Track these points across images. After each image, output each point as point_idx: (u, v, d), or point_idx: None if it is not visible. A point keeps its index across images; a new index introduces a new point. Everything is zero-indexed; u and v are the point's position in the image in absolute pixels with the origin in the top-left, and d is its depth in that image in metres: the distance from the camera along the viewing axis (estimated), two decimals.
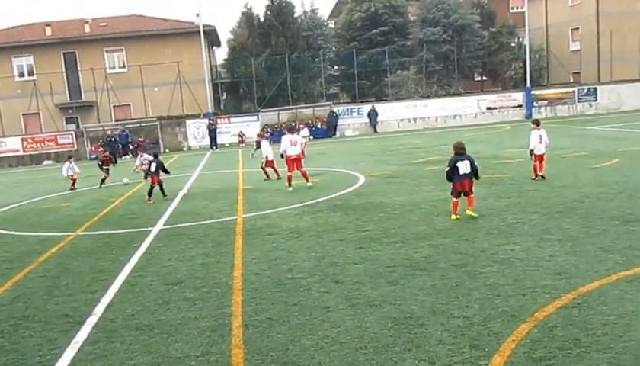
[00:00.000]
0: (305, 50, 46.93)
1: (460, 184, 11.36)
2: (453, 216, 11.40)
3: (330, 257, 9.43)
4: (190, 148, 39.98)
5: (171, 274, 9.23)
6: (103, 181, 21.33)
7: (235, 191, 17.94)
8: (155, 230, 12.75)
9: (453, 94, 44.89)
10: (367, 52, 47.70)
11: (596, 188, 13.50)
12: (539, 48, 50.96)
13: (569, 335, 5.86)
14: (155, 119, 40.47)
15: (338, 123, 40.40)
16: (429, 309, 6.81)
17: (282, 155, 17.28)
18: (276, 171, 19.32)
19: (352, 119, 41.05)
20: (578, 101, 42.23)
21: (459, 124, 40.41)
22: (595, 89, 42.90)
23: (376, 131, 40.25)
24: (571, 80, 49.99)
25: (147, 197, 16.78)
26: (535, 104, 41.80)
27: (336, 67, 52.94)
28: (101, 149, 32.43)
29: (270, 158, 19.37)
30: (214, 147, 38.46)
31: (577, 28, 51.81)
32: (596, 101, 42.17)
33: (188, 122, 40.49)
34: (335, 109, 41.51)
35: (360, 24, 48.67)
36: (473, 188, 11.54)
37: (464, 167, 11.28)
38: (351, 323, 6.59)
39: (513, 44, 49.79)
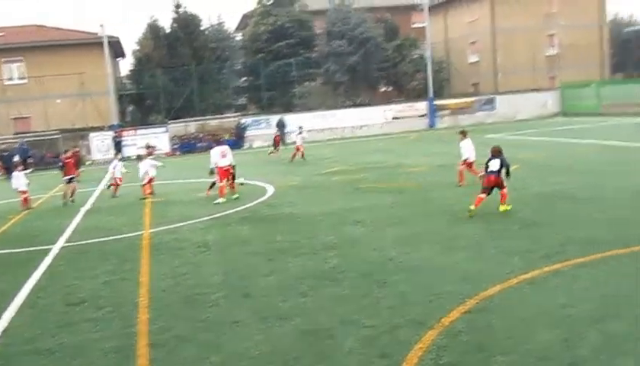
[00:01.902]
0: (212, 62, 46.42)
1: (487, 179, 12.16)
2: (472, 207, 11.91)
3: (239, 270, 9.25)
4: (94, 162, 38.38)
5: (73, 293, 8.72)
6: None
7: (142, 204, 17.32)
8: (57, 248, 12.04)
9: (360, 105, 45.78)
10: (274, 63, 47.90)
11: (497, 195, 14.05)
12: (440, 60, 53.03)
13: (474, 339, 6.00)
14: (57, 132, 38.56)
15: (247, 134, 40.17)
16: (338, 320, 6.79)
17: (211, 171, 16.88)
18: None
19: (260, 130, 40.92)
20: (478, 111, 44.22)
21: (367, 134, 41.19)
22: (493, 99, 45.12)
23: (284, 142, 40.27)
24: (471, 90, 52.35)
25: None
26: (437, 113, 43.36)
27: (244, 78, 52.71)
28: None
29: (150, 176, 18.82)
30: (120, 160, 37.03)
31: (475, 42, 54.45)
32: (494, 110, 44.31)
33: (92, 135, 38.91)
34: (243, 120, 41.24)
35: (267, 37, 48.81)
36: (505, 185, 12.11)
37: (493, 165, 12.14)
38: (261, 337, 6.46)
39: (415, 56, 51.54)
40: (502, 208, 12.06)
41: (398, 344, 6.03)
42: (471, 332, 6.17)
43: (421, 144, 30.64)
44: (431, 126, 42.95)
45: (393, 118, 43.06)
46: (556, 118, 42.63)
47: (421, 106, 43.86)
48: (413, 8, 57.30)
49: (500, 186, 12.13)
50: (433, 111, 43.27)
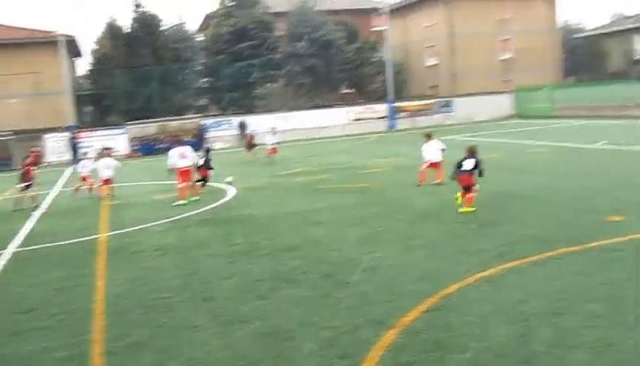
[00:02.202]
0: (173, 62, 45.90)
1: (461, 178, 12.52)
2: (459, 201, 12.37)
3: (198, 274, 9.14)
4: (49, 163, 37.46)
5: (23, 301, 8.47)
6: None
7: (99, 207, 16.98)
8: (7, 254, 11.69)
9: (322, 107, 45.88)
10: (236, 64, 47.65)
11: (454, 195, 14.26)
12: (400, 63, 53.59)
13: (432, 338, 6.07)
14: (10, 132, 37.48)
15: (208, 136, 39.80)
16: (298, 322, 6.78)
17: (169, 172, 16.68)
18: (91, 188, 19.22)
19: (222, 131, 40.65)
20: (437, 113, 44.82)
21: (329, 135, 41.29)
22: (451, 101, 45.82)
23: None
24: (430, 93, 53.06)
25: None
26: (397, 115, 43.79)
27: (205, 79, 52.28)
28: None
29: (103, 177, 18.56)
30: (77, 162, 36.29)
31: (433, 46, 55.22)
32: (452, 112, 44.97)
33: (47, 136, 37.98)
34: (204, 121, 40.86)
35: (228, 38, 48.52)
36: (474, 187, 12.34)
37: (467, 164, 12.50)
38: (220, 342, 6.39)
39: (375, 59, 51.98)
40: (463, 209, 12.20)
41: (358, 344, 6.05)
42: (429, 331, 6.24)
43: (382, 145, 30.89)
44: (391, 127, 43.35)
45: (354, 120, 43.31)
46: (511, 120, 43.52)
47: (381, 108, 44.23)
48: (373, 11, 57.75)
49: (469, 189, 12.31)
50: (393, 113, 43.69)
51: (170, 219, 13.89)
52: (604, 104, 40.41)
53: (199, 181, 17.77)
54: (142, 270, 9.63)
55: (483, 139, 29.02)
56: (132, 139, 38.38)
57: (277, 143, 27.74)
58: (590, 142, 24.18)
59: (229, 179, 19.00)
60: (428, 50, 56.23)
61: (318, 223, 12.23)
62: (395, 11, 57.76)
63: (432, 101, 46.11)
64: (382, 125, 43.39)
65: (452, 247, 9.50)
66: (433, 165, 16.13)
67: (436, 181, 15.82)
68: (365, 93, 52.74)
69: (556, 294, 7.03)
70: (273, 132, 27.61)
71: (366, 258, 9.18)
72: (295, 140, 40.10)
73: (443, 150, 16.33)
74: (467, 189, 12.35)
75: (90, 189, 19.43)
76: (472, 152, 12.67)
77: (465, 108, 44.95)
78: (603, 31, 72.56)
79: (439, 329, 6.27)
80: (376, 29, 57.75)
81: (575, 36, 74.52)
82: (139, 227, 13.29)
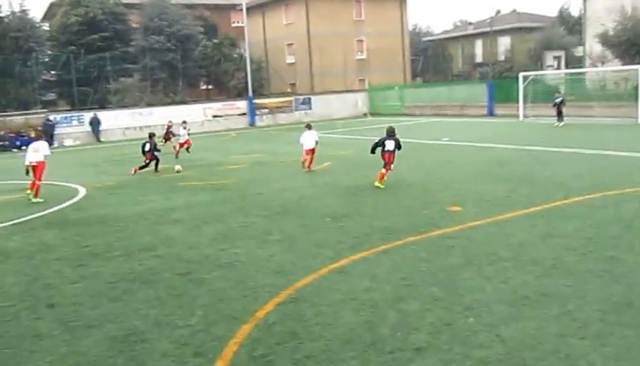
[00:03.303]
0: (14, 53, 42.47)
1: (385, 156, 14.38)
2: (377, 183, 14.18)
3: (43, 279, 8.60)
4: None
5: None
6: None
7: None
8: None
9: (180, 103, 44.83)
10: (87, 57, 45.13)
11: (310, 190, 14.70)
12: (259, 60, 53.80)
13: (286, 329, 6.23)
14: None
15: (56, 132, 37.35)
16: (153, 323, 6.65)
17: (27, 171, 15.31)
18: None
19: (72, 128, 38.34)
20: (296, 110, 45.61)
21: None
22: (309, 99, 46.84)
23: (99, 140, 38.23)
24: (289, 90, 53.86)
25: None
26: (257, 112, 43.96)
27: (53, 72, 48.96)
28: None
29: None
30: None
31: (292, 44, 56.12)
32: (310, 109, 46.00)
33: None
34: (52, 117, 38.27)
35: (78, 28, 45.74)
36: (392, 165, 14.45)
37: (389, 145, 14.39)
38: (66, 349, 6.09)
39: (235, 55, 51.75)
40: (377, 184, 14.17)
41: (213, 341, 6.06)
42: (284, 323, 6.40)
43: (241, 142, 30.88)
44: (251, 124, 43.47)
45: (213, 116, 42.80)
46: (365, 118, 45.39)
47: (241, 104, 44.18)
48: (232, 7, 57.48)
49: (389, 165, 14.29)
50: (253, 110, 43.81)
51: (12, 223, 12.88)
52: (448, 103, 43.48)
53: (142, 167, 19.41)
54: None
55: (340, 136, 30.05)
56: None
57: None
58: (435, 138, 25.94)
59: (178, 167, 19.77)
60: (288, 48, 57.05)
61: (174, 221, 12.01)
62: (256, 8, 57.96)
63: (291, 98, 46.84)
64: (242, 122, 43.36)
65: (308, 240, 9.78)
66: (307, 152, 17.83)
67: (305, 169, 17.67)
68: (225, 89, 52.33)
69: (401, 281, 7.50)
70: (184, 126, 25.87)
71: (223, 255, 9.19)
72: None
73: (316, 142, 18.04)
74: (386, 165, 14.28)
75: None
76: (391, 133, 14.51)
77: (322, 106, 46.16)
78: (449, 36, 78.08)
79: (293, 320, 6.45)
80: (236, 25, 57.56)
81: (424, 39, 79.46)
82: None
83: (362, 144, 25.52)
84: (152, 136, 20.18)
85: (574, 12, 65.76)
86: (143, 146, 19.91)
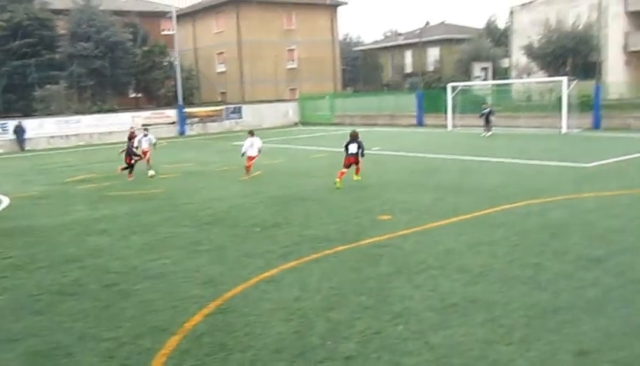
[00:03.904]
0: None
1: (348, 159, 15.75)
2: (338, 184, 15.34)
3: None
4: None
5: None
6: None
7: None
8: None
9: (108, 111, 43.64)
10: (11, 64, 43.48)
11: (241, 199, 14.68)
12: (190, 68, 53.15)
13: (215, 340, 6.23)
14: None
15: None
16: (77, 336, 6.50)
17: None
18: None
19: None
20: (226, 119, 45.27)
21: (115, 141, 39.26)
22: (240, 108, 46.60)
23: (23, 149, 36.71)
24: (219, 99, 53.46)
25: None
26: (187, 121, 43.38)
27: None
28: None
29: None
30: None
31: (223, 52, 55.81)
32: (241, 118, 45.78)
33: None
34: None
35: (2, 34, 44.00)
36: (360, 164, 16.01)
37: (352, 148, 15.73)
38: None
39: (165, 63, 50.95)
40: (356, 178, 15.91)
41: (139, 353, 5.99)
42: (213, 334, 6.39)
43: (171, 151, 30.37)
44: (181, 133, 42.82)
45: (142, 125, 41.77)
46: (296, 127, 45.64)
47: (171, 113, 43.42)
48: (163, 14, 56.58)
49: (357, 163, 15.79)
50: (183, 119, 43.19)
51: None
52: (378, 113, 44.31)
53: (125, 168, 19.51)
54: None
55: (271, 145, 30.01)
56: None
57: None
58: (366, 147, 26.33)
59: (151, 172, 19.83)
60: (218, 57, 56.72)
61: (101, 231, 11.73)
62: (186, 16, 57.32)
63: (221, 107, 46.46)
64: (172, 131, 42.63)
65: (237, 250, 9.77)
66: (249, 159, 18.28)
67: (244, 177, 18.07)
68: (155, 98, 51.35)
69: (331, 290, 7.63)
70: (145, 134, 23.61)
71: (151, 266, 9.07)
72: (78, 146, 37.75)
73: (259, 149, 18.46)
74: (348, 167, 15.60)
75: None
76: (354, 137, 15.76)
77: (253, 115, 46.01)
78: (379, 46, 79.61)
79: (222, 331, 6.45)
80: (166, 33, 56.68)
81: (355, 48, 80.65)
82: None
83: (293, 153, 25.71)
84: (130, 138, 20.52)
85: (501, 24, 68.77)
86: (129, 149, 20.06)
